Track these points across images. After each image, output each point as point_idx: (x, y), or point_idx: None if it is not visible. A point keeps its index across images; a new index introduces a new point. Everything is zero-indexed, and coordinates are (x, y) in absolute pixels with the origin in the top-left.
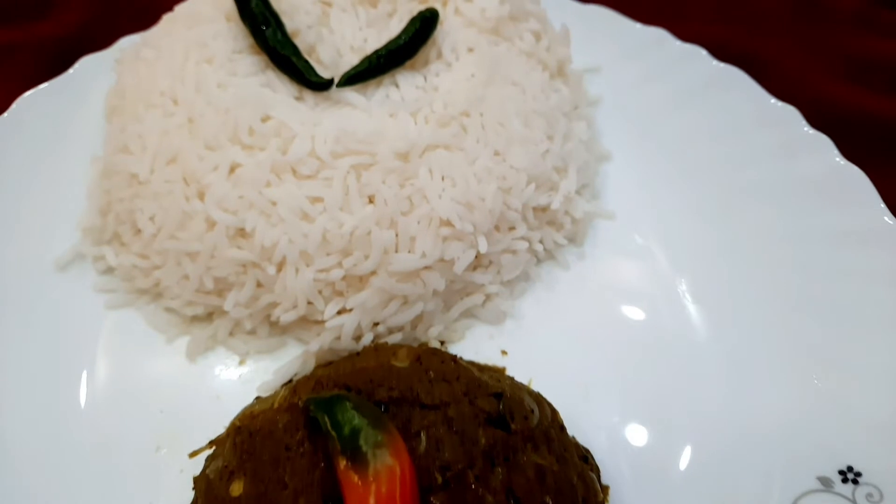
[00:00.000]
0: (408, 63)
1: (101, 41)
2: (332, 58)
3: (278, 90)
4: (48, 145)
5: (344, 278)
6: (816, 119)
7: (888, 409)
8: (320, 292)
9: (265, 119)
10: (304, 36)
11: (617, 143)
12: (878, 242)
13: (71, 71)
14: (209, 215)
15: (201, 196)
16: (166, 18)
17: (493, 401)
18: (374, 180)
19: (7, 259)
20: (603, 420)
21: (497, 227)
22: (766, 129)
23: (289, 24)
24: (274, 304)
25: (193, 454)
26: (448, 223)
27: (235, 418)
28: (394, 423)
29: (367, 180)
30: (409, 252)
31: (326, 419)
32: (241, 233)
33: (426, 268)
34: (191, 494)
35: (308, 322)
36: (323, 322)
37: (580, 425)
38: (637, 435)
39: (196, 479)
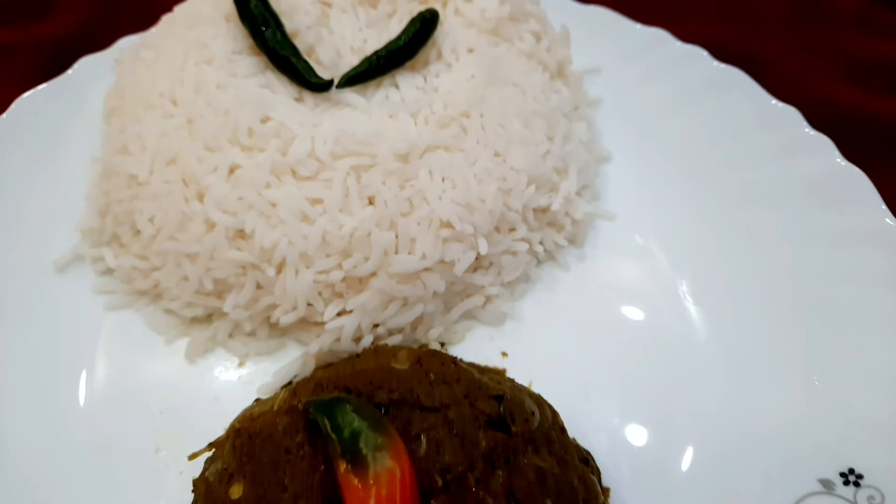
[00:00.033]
0: (408, 64)
1: (100, 41)
2: (331, 59)
3: (278, 91)
4: (47, 146)
5: (344, 280)
6: (817, 119)
7: (889, 410)
8: (320, 294)
9: (265, 120)
10: (304, 37)
11: (617, 144)
12: (878, 243)
13: (70, 72)
14: (209, 216)
15: (201, 197)
16: (166, 19)
17: (494, 403)
18: (374, 181)
19: (7, 260)
20: (603, 421)
21: (497, 229)
22: (767, 129)
23: (288, 25)
24: (273, 306)
25: (193, 456)
26: (448, 224)
27: (235, 420)
28: (394, 426)
29: (366, 181)
30: (410, 253)
31: (326, 421)
32: (241, 234)
33: (426, 269)
34: (190, 496)
35: (308, 324)
36: (323, 324)
37: (581, 427)
38: (638, 436)
39: (195, 482)
